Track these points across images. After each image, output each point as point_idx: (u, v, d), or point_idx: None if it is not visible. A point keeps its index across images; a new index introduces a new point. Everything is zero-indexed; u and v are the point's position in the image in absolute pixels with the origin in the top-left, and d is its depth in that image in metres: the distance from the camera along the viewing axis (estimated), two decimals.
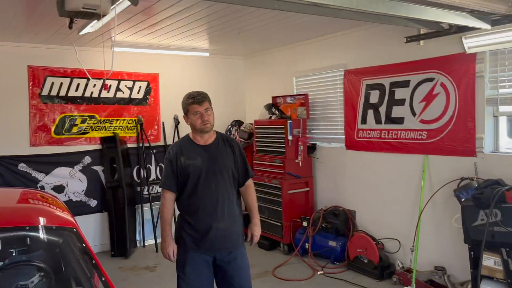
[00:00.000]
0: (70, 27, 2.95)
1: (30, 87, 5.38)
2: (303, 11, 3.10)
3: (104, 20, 3.01)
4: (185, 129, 6.54)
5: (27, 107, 5.37)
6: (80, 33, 3.42)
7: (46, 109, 5.48)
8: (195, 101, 2.79)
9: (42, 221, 2.17)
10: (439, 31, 3.94)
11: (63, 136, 5.60)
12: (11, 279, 2.32)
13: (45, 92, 5.46)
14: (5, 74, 5.23)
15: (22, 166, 5.35)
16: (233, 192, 2.89)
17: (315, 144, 5.73)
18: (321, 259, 5.12)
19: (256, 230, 2.98)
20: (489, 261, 3.39)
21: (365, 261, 4.69)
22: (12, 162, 5.27)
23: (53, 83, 5.49)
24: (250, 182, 3.03)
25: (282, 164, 5.51)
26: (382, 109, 4.76)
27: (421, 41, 4.28)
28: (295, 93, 5.99)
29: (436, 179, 4.24)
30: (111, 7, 2.76)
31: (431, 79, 4.28)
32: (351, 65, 5.17)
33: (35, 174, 5.43)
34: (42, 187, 5.51)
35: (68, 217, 2.23)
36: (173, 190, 2.82)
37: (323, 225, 5.17)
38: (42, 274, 2.31)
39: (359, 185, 5.15)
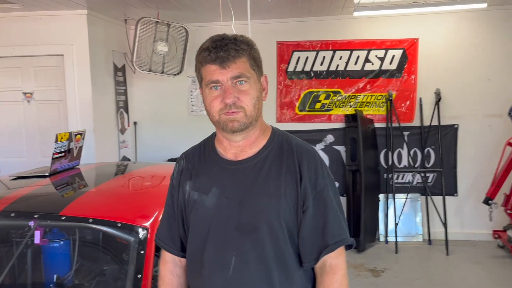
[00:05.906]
0: None
1: (278, 63, 5.41)
2: None
3: None
4: (450, 108, 5.13)
5: (275, 83, 5.43)
6: None
7: (291, 85, 5.41)
8: (213, 56, 1.23)
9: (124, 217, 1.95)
10: None
11: (306, 113, 5.41)
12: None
13: (291, 67, 5.36)
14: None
15: None
16: (291, 278, 1.27)
17: None
18: None
19: None
20: None
21: None
22: None
23: (299, 57, 5.33)
24: (333, 262, 1.26)
25: None
26: None
27: None
28: None
29: None
30: None
31: None
32: None
33: None
34: None
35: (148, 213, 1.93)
36: (172, 248, 1.40)
37: None
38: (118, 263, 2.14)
39: None
